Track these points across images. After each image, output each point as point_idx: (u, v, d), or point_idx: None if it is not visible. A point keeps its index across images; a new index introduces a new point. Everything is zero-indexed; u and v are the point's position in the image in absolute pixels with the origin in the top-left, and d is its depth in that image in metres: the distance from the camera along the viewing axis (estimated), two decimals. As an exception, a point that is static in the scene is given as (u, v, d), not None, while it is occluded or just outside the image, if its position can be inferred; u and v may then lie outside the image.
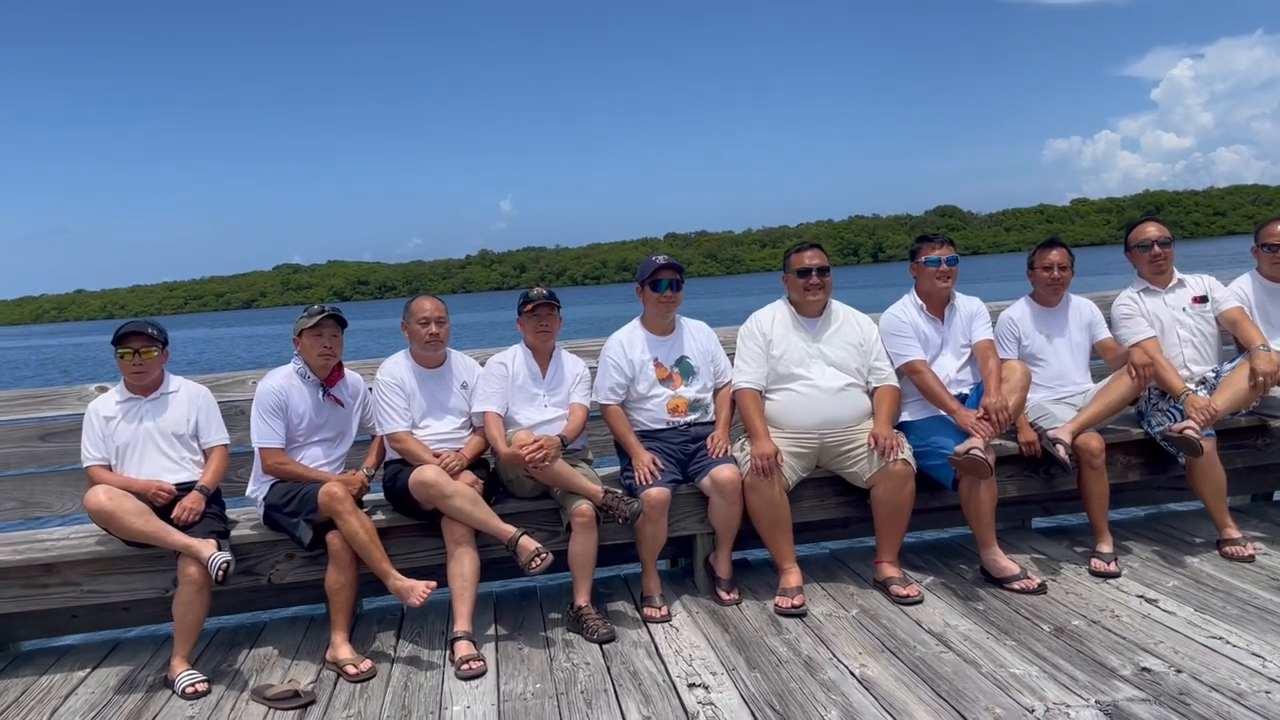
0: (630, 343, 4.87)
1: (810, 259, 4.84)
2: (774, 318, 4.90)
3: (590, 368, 4.95)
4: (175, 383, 4.60)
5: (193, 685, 4.08)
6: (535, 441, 4.35)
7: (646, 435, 4.80)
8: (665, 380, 4.83)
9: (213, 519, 4.35)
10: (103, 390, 4.76)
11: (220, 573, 4.02)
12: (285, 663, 4.37)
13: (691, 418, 4.83)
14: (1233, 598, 4.29)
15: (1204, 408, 4.72)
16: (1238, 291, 5.26)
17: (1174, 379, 4.89)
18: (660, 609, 4.58)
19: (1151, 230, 5.22)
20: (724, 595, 4.71)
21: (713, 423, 4.86)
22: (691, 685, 3.82)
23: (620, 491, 4.52)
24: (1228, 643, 3.82)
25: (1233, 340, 5.22)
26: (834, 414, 4.72)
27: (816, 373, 4.76)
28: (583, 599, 4.49)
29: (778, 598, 4.58)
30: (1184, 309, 5.16)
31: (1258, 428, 5.18)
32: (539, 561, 4.19)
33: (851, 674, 3.81)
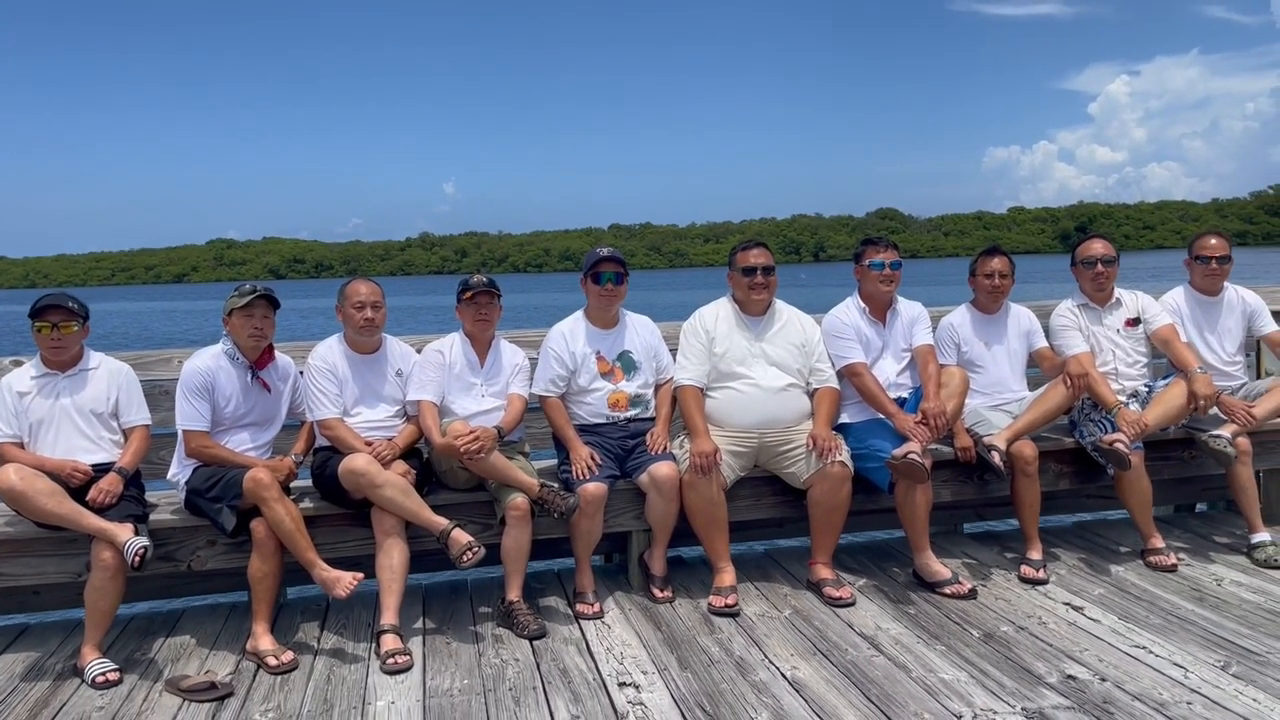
0: (573, 334, 4.80)
1: (756, 258, 4.81)
2: (717, 315, 4.87)
3: (530, 358, 4.87)
4: (95, 359, 4.41)
5: (103, 674, 3.93)
6: (471, 432, 4.27)
7: (585, 429, 4.74)
8: (607, 374, 4.77)
9: (131, 502, 4.18)
10: (18, 364, 4.56)
11: (136, 558, 3.87)
12: (203, 652, 4.24)
13: (632, 413, 4.78)
14: (1156, 607, 4.36)
15: (1134, 422, 4.80)
16: (1170, 305, 5.36)
17: (1106, 392, 4.97)
18: (593, 605, 4.53)
19: (1097, 248, 5.27)
20: (658, 593, 4.67)
21: (653, 419, 4.82)
22: (622, 684, 3.77)
23: (557, 486, 4.45)
24: (1151, 652, 3.88)
25: (1165, 355, 5.31)
26: (774, 414, 4.70)
27: (758, 372, 4.74)
28: (514, 594, 4.42)
29: (711, 597, 4.56)
30: (1118, 330, 5.24)
31: (1184, 440, 5.29)
32: (471, 555, 4.11)
33: (783, 676, 3.80)
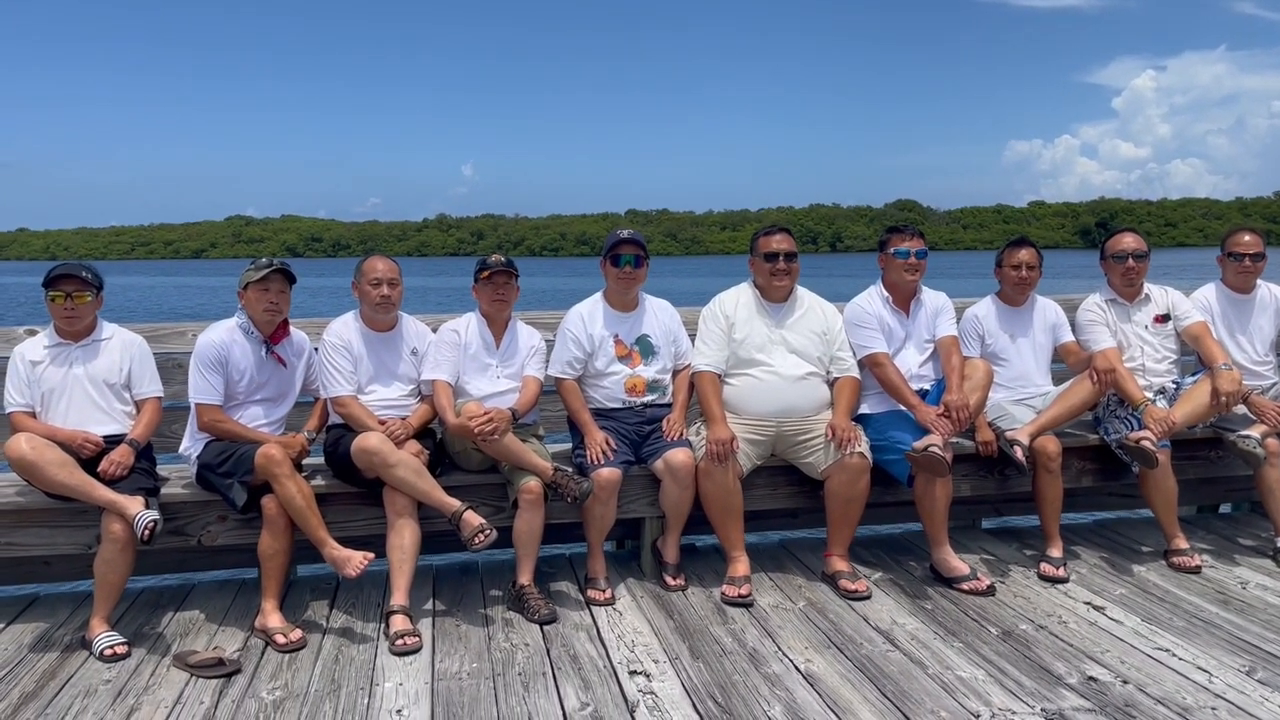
0: (591, 317, 4.73)
1: (778, 243, 4.73)
2: (738, 301, 4.79)
3: (547, 340, 4.81)
4: (109, 329, 4.38)
5: (111, 647, 3.91)
6: (485, 414, 4.21)
7: (601, 413, 4.68)
8: (624, 358, 4.71)
9: (142, 475, 4.15)
10: (31, 333, 4.53)
11: (146, 532, 3.83)
12: (211, 628, 4.21)
13: (649, 398, 4.71)
14: (1179, 609, 4.28)
15: (1162, 419, 4.69)
16: (1201, 303, 5.25)
17: (1134, 388, 4.87)
18: (604, 592, 4.47)
19: (1129, 242, 5.14)
20: (670, 580, 4.62)
21: (670, 404, 4.75)
22: (633, 672, 3.72)
23: (570, 470, 4.39)
24: (1174, 655, 3.80)
25: (1194, 353, 5.20)
26: (793, 402, 4.63)
27: (777, 359, 4.66)
28: (525, 577, 4.37)
29: (725, 586, 4.50)
30: (1146, 326, 5.13)
31: (1211, 440, 5.19)
32: (482, 538, 4.06)
33: (796, 669, 3.73)
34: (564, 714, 3.41)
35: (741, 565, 4.56)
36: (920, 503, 4.60)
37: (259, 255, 4.59)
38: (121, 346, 4.36)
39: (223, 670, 3.74)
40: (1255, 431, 4.77)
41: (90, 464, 4.07)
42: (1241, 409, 4.93)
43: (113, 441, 4.18)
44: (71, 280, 4.20)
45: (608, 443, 4.49)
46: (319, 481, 4.39)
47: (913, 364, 4.83)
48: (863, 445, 4.53)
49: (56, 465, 3.95)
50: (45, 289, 4.21)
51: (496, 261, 4.59)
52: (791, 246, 4.76)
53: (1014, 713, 3.36)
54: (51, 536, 4.25)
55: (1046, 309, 5.17)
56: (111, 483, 4.01)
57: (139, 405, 4.37)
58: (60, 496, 4.05)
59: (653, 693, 3.55)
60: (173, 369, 4.70)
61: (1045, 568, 4.69)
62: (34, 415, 4.21)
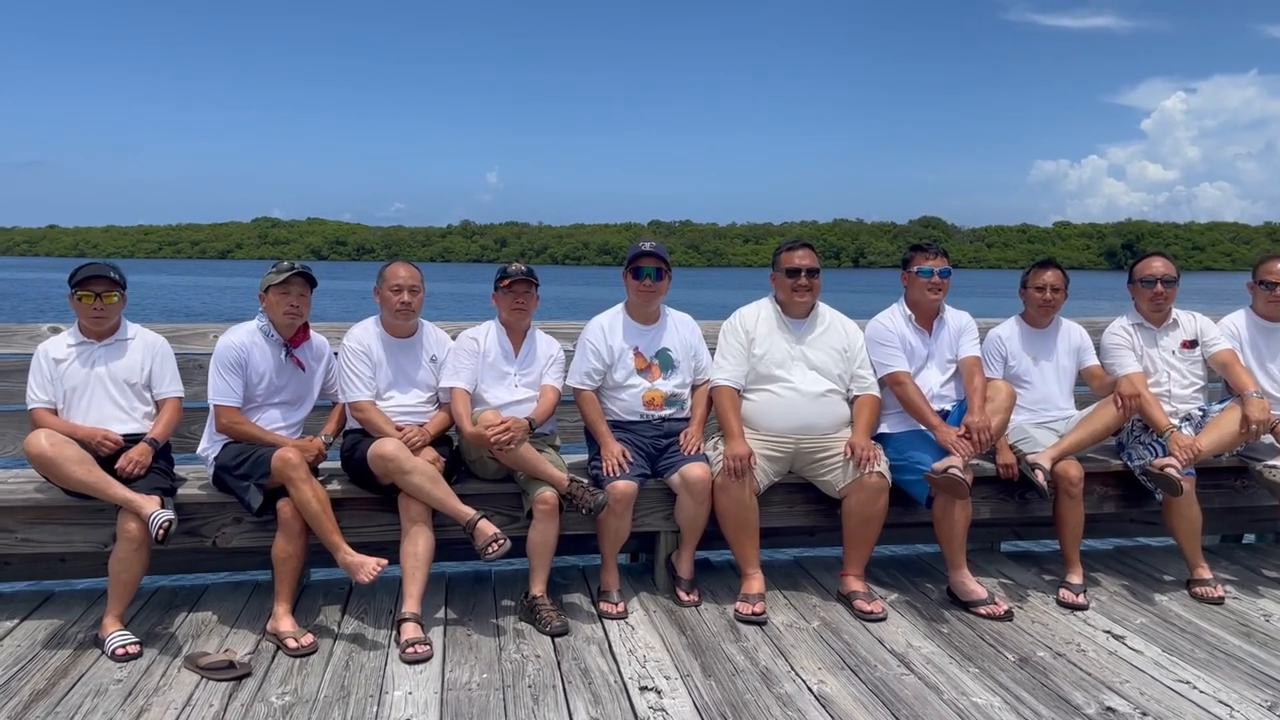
0: (611, 328, 4.71)
1: (800, 259, 4.70)
2: (758, 316, 4.76)
3: (566, 350, 4.79)
4: (132, 329, 4.41)
5: (124, 647, 3.91)
6: (502, 423, 4.20)
7: (618, 426, 4.65)
8: (643, 371, 4.68)
9: (159, 474, 4.16)
10: (55, 331, 4.56)
11: (161, 532, 3.83)
12: (224, 630, 4.21)
13: (667, 412, 4.68)
14: (1201, 640, 4.20)
15: (1188, 446, 4.62)
16: (1230, 329, 5.17)
17: (1159, 414, 4.80)
18: (617, 605, 4.44)
19: (1158, 266, 5.08)
20: (684, 596, 4.58)
21: (687, 419, 4.72)
22: (644, 688, 3.68)
23: (586, 481, 4.37)
24: (1195, 688, 3.73)
25: (1221, 380, 5.13)
26: (812, 419, 4.59)
27: (797, 376, 4.63)
28: (538, 588, 4.34)
29: (738, 603, 4.46)
30: (1173, 352, 5.07)
31: (1237, 469, 5.10)
32: (496, 547, 4.04)
33: (809, 689, 3.69)
34: (573, 728, 3.38)
35: (756, 582, 4.52)
36: (939, 524, 4.55)
37: (284, 257, 4.60)
38: (144, 346, 4.38)
39: (233, 673, 3.73)
40: (1282, 462, 4.69)
41: (109, 462, 4.08)
42: (1268, 438, 4.85)
43: (132, 440, 4.19)
44: (101, 280, 4.23)
45: (624, 455, 4.47)
46: (335, 486, 4.39)
47: (934, 384, 4.79)
48: (882, 465, 4.48)
49: (75, 462, 3.96)
50: (73, 289, 4.24)
51: (517, 270, 4.59)
52: (814, 262, 4.72)
53: (1030, 742, 3.30)
54: (68, 533, 4.26)
55: (1071, 331, 5.11)
56: (129, 481, 4.02)
57: (159, 405, 4.38)
58: (78, 494, 4.06)
59: (663, 710, 3.51)
60: (193, 370, 4.72)
61: (1065, 594, 4.63)
62: (55, 412, 4.23)
